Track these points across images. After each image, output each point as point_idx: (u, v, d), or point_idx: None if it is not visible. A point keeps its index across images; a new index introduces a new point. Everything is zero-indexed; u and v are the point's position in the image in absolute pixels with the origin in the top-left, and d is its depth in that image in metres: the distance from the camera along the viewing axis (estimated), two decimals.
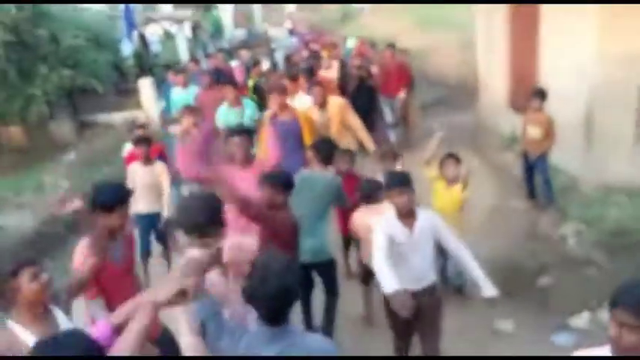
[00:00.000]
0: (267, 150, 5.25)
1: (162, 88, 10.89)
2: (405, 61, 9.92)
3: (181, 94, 8.40)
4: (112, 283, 3.16)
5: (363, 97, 8.60)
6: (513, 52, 8.50)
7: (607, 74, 6.04)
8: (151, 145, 5.74)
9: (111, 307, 2.98)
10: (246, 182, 3.84)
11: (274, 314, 2.11)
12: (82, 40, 11.71)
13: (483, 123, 9.56)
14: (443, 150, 4.89)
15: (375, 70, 9.68)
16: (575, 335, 4.30)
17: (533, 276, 5.21)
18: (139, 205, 5.48)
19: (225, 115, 6.68)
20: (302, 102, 6.85)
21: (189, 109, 5.95)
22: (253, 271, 2.14)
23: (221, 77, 8.25)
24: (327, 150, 4.53)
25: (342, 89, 9.04)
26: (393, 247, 3.32)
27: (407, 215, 3.40)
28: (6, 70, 10.83)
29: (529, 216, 6.49)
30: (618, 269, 4.94)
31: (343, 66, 9.85)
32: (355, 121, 6.41)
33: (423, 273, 3.50)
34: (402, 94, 9.18)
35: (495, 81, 9.21)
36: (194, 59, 11.81)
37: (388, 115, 9.46)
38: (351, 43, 14.72)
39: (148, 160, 5.55)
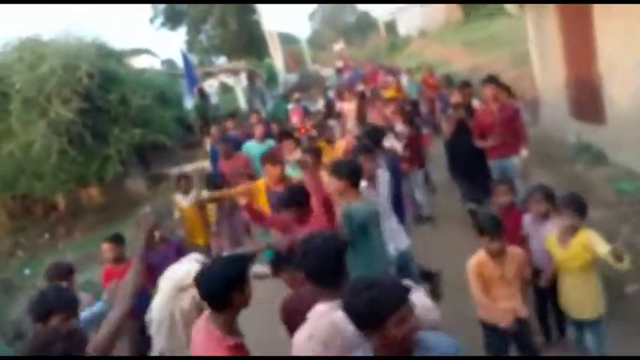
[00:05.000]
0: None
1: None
2: (513, 101, 6.83)
3: (258, 147, 7.62)
4: None
5: (465, 145, 6.37)
6: (569, 60, 8.35)
7: None
8: None
9: None
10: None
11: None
12: (148, 100, 12.46)
13: (547, 135, 9.36)
14: None
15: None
16: None
17: (622, 285, 5.00)
18: None
19: (294, 170, 5.88)
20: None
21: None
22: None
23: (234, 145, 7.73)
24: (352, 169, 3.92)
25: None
26: None
27: None
28: (82, 135, 11.63)
29: (610, 225, 6.25)
30: None
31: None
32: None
33: None
34: (523, 153, 6.11)
35: (554, 91, 9.05)
36: (255, 110, 11.63)
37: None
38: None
39: None
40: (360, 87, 12.36)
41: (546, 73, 9.46)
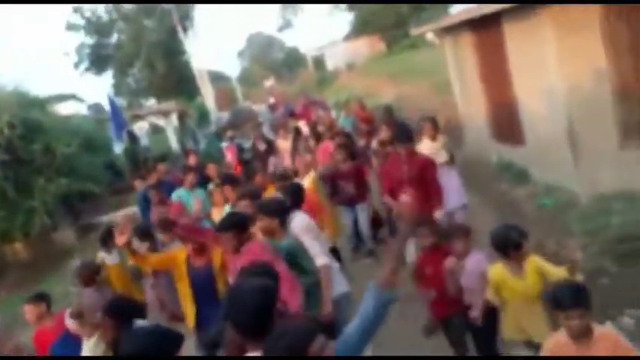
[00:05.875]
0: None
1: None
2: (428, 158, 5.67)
3: (188, 196, 7.33)
4: None
5: None
6: (487, 87, 8.83)
7: (576, 91, 6.32)
8: None
9: None
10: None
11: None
12: (74, 147, 12.03)
13: (471, 158, 9.77)
14: None
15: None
16: None
17: None
18: None
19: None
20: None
21: None
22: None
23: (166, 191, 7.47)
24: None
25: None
26: None
27: None
28: (4, 188, 11.05)
29: (535, 239, 6.54)
30: (630, 274, 4.99)
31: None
32: None
33: None
34: (437, 214, 5.33)
35: (476, 116, 9.50)
36: (192, 151, 11.25)
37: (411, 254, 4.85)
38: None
39: None
40: (295, 123, 12.20)
41: (467, 100, 9.93)
